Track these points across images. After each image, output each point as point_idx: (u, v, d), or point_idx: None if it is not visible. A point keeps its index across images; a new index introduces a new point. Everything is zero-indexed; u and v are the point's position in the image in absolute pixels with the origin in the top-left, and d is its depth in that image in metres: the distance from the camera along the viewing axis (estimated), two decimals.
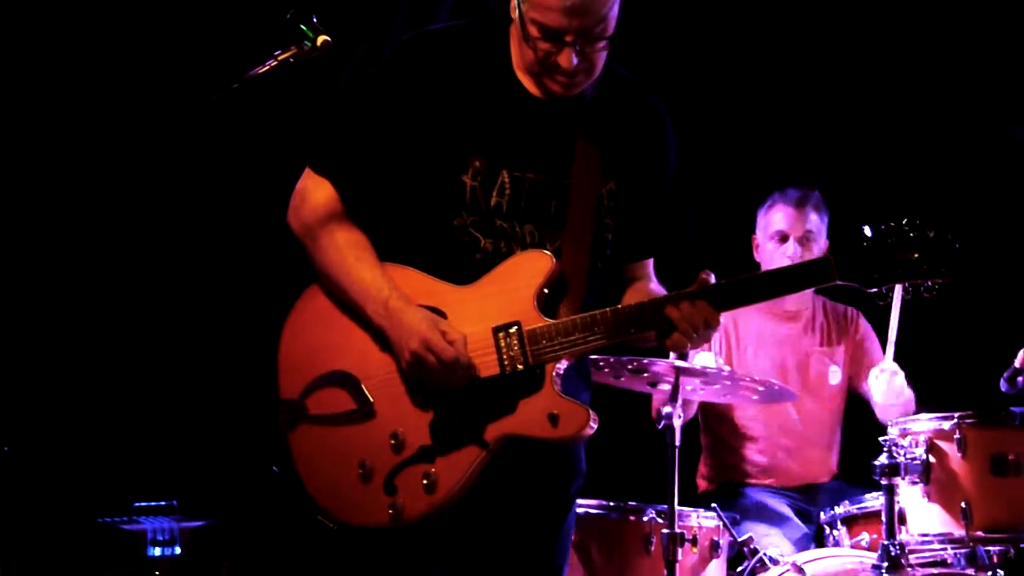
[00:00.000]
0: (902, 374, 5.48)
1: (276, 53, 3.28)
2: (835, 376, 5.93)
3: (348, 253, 3.41)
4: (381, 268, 3.40)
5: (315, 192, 3.45)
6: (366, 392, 3.39)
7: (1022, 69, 6.44)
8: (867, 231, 3.24)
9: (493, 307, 3.35)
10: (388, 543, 3.38)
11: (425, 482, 3.31)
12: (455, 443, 3.32)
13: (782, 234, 5.87)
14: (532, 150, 3.42)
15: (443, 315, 3.37)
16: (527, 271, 3.36)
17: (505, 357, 3.33)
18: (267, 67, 3.30)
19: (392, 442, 3.35)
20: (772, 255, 5.87)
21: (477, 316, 3.36)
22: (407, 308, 3.34)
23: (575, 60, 3.29)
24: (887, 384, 5.48)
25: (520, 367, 3.32)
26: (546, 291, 3.35)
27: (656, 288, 3.62)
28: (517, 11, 3.32)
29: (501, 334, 3.34)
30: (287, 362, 3.47)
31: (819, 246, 5.88)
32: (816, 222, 5.87)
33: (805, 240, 5.83)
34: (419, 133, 3.38)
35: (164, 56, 6.09)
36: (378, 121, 3.41)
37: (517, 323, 3.34)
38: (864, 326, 6.03)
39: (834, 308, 6.07)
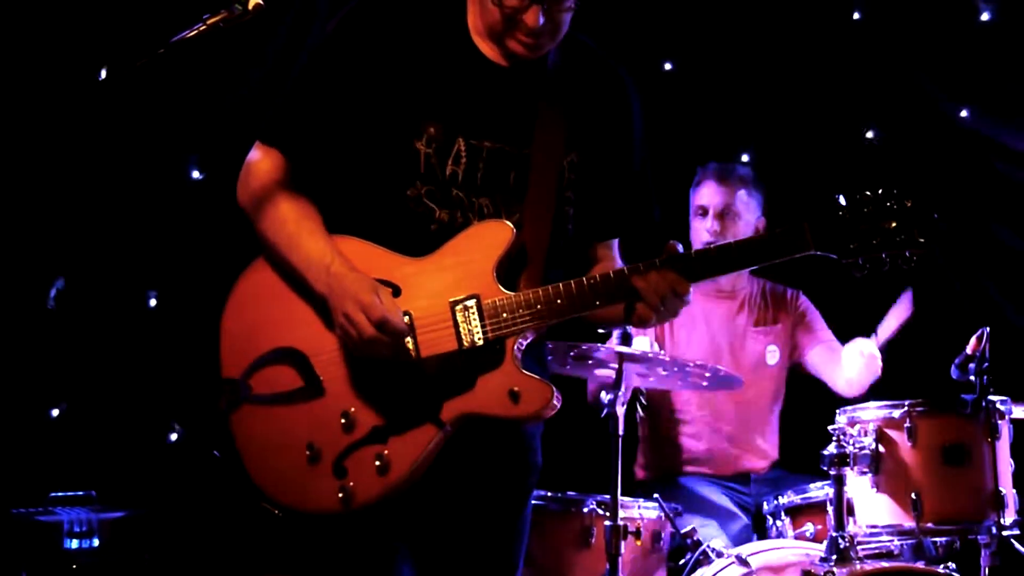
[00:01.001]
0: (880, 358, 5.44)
1: (205, 17, 3.14)
2: (772, 356, 5.83)
3: (292, 223, 3.29)
4: (327, 238, 3.29)
5: (262, 162, 3.35)
6: (315, 369, 3.25)
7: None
8: (841, 200, 3.15)
9: (450, 280, 3.23)
10: (339, 529, 3.25)
11: (377, 463, 3.17)
12: (410, 423, 3.19)
13: (702, 208, 5.76)
14: (490, 118, 3.31)
15: (398, 289, 3.24)
16: (486, 242, 3.24)
17: (463, 331, 3.20)
18: (195, 31, 3.15)
19: (342, 422, 3.21)
20: (696, 231, 5.76)
21: (433, 289, 3.23)
22: (348, 273, 3.21)
23: (541, 19, 3.19)
24: (865, 366, 5.42)
25: (479, 342, 3.19)
26: (506, 263, 3.23)
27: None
28: None
29: (459, 307, 3.21)
30: (230, 339, 3.34)
31: (746, 223, 5.75)
32: (742, 197, 5.75)
33: (726, 215, 5.70)
34: (371, 99, 3.29)
35: (84, 22, 5.90)
36: (328, 88, 3.30)
37: (476, 296, 3.21)
38: (805, 302, 5.94)
39: (773, 288, 5.98)
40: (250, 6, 3.16)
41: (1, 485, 5.71)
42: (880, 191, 3.14)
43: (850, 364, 5.52)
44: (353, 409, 3.22)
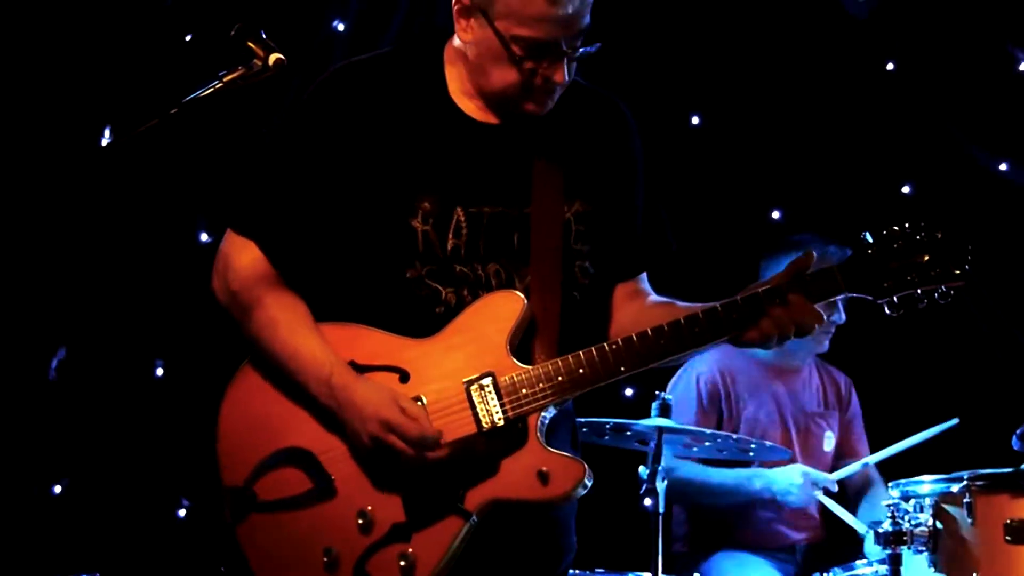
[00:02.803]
0: None
1: (221, 74, 2.94)
2: (829, 443, 5.68)
3: (281, 324, 3.11)
4: (320, 338, 3.10)
5: (239, 255, 3.16)
6: (324, 468, 3.07)
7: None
8: (868, 238, 3.02)
9: (461, 359, 3.05)
10: None
11: (402, 563, 2.99)
12: (433, 516, 3.00)
13: None
14: (486, 181, 3.14)
15: (405, 374, 3.07)
16: (495, 315, 3.07)
17: (481, 412, 3.02)
18: (211, 89, 2.93)
19: (360, 522, 3.02)
20: None
21: (444, 371, 3.05)
22: (354, 384, 3.03)
23: (568, 76, 3.04)
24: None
25: (499, 422, 3.01)
26: (519, 335, 3.06)
27: (661, 302, 3.27)
28: (491, 31, 3.01)
29: (474, 387, 3.03)
30: (228, 445, 3.16)
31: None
32: None
33: None
34: (354, 178, 3.10)
35: (90, 78, 5.72)
36: (303, 169, 3.12)
37: (491, 373, 3.03)
38: (855, 404, 5.81)
39: (828, 371, 5.83)
40: (271, 62, 2.92)
41: (1, 566, 5.54)
42: (907, 225, 3.01)
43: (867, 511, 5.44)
44: (370, 507, 3.03)
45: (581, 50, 3.03)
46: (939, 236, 3.00)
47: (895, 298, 3.01)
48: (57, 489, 5.85)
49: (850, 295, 3.04)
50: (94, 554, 5.59)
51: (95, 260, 5.78)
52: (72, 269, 5.73)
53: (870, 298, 3.02)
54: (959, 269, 2.99)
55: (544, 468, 2.98)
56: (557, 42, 2.98)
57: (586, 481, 2.99)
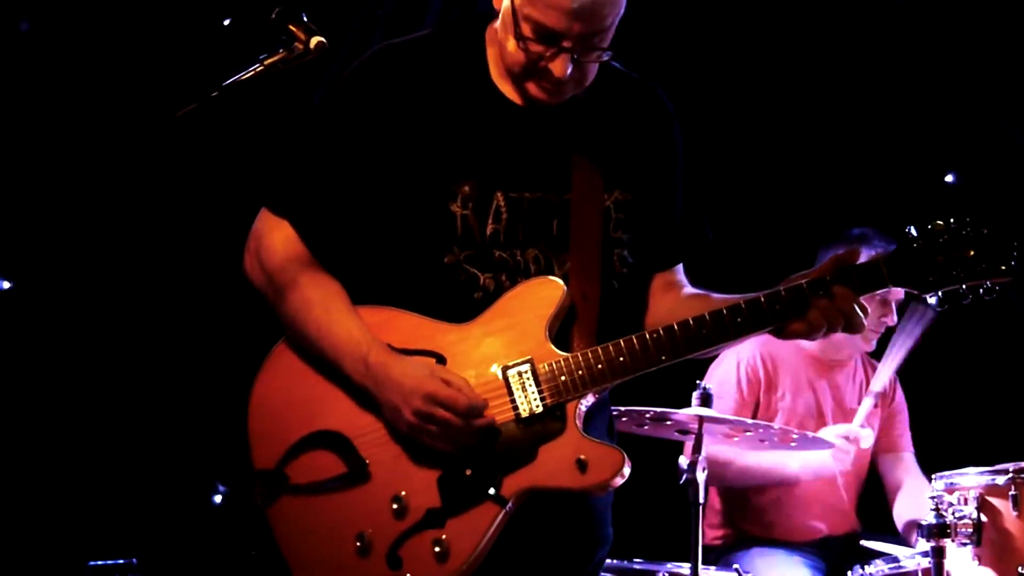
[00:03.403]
0: None
1: (261, 57, 2.92)
2: (868, 440, 5.50)
3: (316, 303, 3.08)
4: (356, 317, 3.07)
5: (273, 235, 3.13)
6: (359, 452, 3.04)
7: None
8: (913, 231, 3.01)
9: (499, 345, 3.03)
10: None
11: (437, 550, 2.95)
12: (468, 502, 2.97)
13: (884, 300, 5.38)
14: (526, 166, 3.10)
15: (442, 359, 3.04)
16: (535, 301, 3.04)
17: (519, 399, 3.00)
18: (251, 73, 2.92)
19: (394, 507, 2.99)
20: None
21: (482, 356, 3.03)
22: (392, 361, 3.00)
23: (569, 69, 2.97)
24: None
25: (538, 409, 2.99)
26: (558, 322, 3.04)
27: (698, 293, 3.24)
28: (509, 4, 2.99)
29: (512, 374, 3.00)
30: (260, 428, 3.13)
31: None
32: None
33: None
34: (392, 160, 3.07)
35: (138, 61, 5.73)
36: (340, 149, 3.10)
37: (529, 360, 3.01)
38: (900, 399, 5.70)
39: (874, 367, 5.70)
40: (312, 45, 2.90)
41: (36, 554, 5.56)
42: (952, 220, 3.00)
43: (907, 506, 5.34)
44: (404, 492, 3.00)
45: (598, 55, 2.99)
46: (985, 232, 2.98)
47: (939, 293, 3.00)
48: (93, 474, 5.84)
49: (894, 288, 3.03)
50: (130, 541, 5.57)
51: (132, 241, 5.78)
52: (110, 251, 5.74)
53: (915, 292, 3.01)
54: (1005, 265, 2.97)
55: (583, 456, 2.95)
56: (563, 34, 2.93)
57: (625, 470, 2.96)
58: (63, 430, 5.75)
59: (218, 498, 5.94)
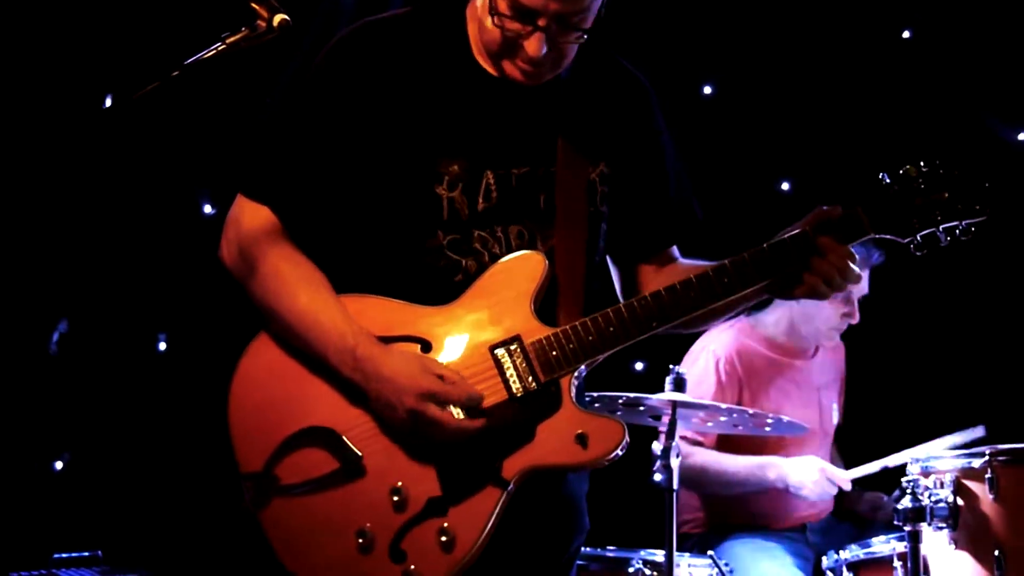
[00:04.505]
0: None
1: (224, 35, 2.84)
2: (836, 415, 5.61)
3: (299, 292, 2.99)
4: (341, 306, 2.98)
5: (251, 221, 3.04)
6: (351, 445, 2.94)
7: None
8: (887, 178, 3.03)
9: (484, 324, 2.97)
10: None
11: (443, 539, 2.88)
12: (470, 488, 2.91)
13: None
14: (512, 142, 3.05)
15: (427, 344, 2.97)
16: (518, 277, 2.99)
17: (511, 378, 2.94)
18: (213, 51, 2.84)
19: (394, 499, 2.91)
20: (831, 311, 5.44)
21: (468, 337, 2.97)
22: (381, 355, 2.91)
23: (544, 48, 2.93)
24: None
25: (532, 386, 2.93)
26: (542, 296, 2.99)
27: (692, 264, 3.20)
28: None
29: (500, 352, 2.95)
30: (243, 429, 3.02)
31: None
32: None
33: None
34: (374, 141, 3.00)
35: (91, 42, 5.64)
36: (319, 132, 3.02)
37: (518, 337, 2.95)
38: (843, 364, 5.76)
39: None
40: (275, 23, 2.83)
41: (2, 544, 5.45)
42: (923, 164, 3.03)
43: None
44: (402, 483, 2.92)
45: (577, 36, 2.95)
46: (956, 173, 3.01)
47: (918, 237, 3.01)
48: (58, 465, 5.80)
49: (876, 236, 3.02)
50: (96, 533, 5.51)
51: (97, 231, 5.69)
52: (73, 240, 5.65)
53: (896, 238, 3.02)
54: (979, 204, 3.00)
55: (582, 431, 2.89)
56: (539, 12, 2.88)
57: (626, 440, 2.90)
58: (27, 423, 5.68)
59: (59, 464, 5.83)
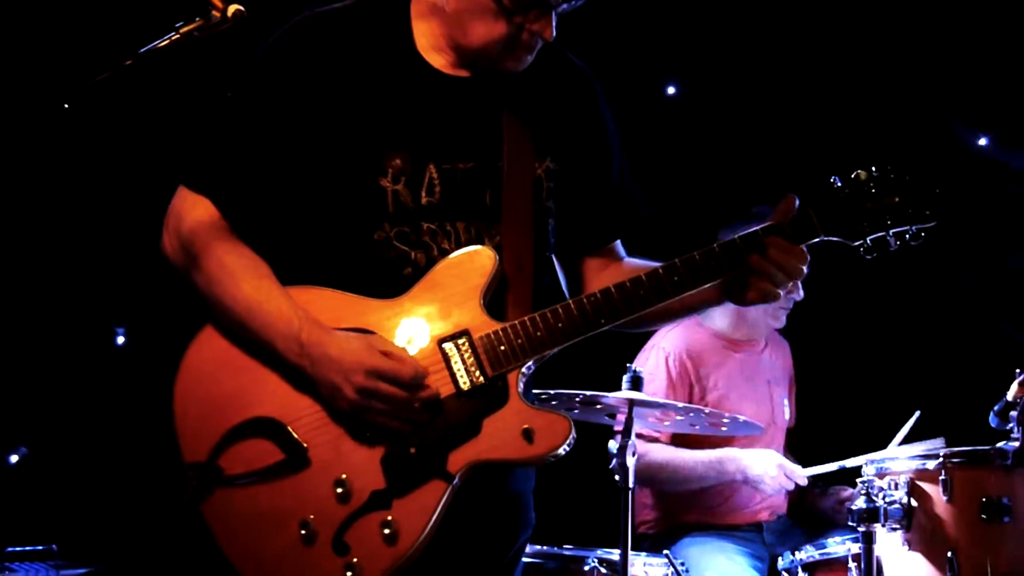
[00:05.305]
0: None
1: (177, 25, 2.83)
2: (787, 411, 5.61)
3: (243, 282, 2.97)
4: (286, 294, 2.97)
5: (192, 212, 3.03)
6: (296, 437, 2.93)
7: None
8: (838, 182, 3.03)
9: (433, 318, 2.97)
10: None
11: (385, 532, 2.87)
12: (414, 481, 2.90)
13: None
14: (457, 136, 3.05)
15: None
16: (466, 271, 2.99)
17: (459, 372, 2.93)
18: (167, 41, 2.82)
19: (337, 491, 2.90)
20: None
21: (415, 331, 2.96)
22: (327, 338, 2.91)
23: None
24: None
25: (479, 381, 2.92)
26: (491, 291, 2.99)
27: (639, 264, 3.19)
28: None
29: (448, 346, 2.94)
30: (187, 419, 3.00)
31: None
32: None
33: None
34: (318, 134, 2.98)
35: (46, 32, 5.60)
36: (261, 124, 3.00)
37: (466, 331, 2.95)
38: (791, 362, 5.79)
39: (774, 338, 5.78)
40: (229, 13, 2.81)
41: None
42: (874, 169, 3.03)
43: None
44: (346, 475, 2.90)
45: (565, 4, 2.95)
46: (907, 178, 3.01)
47: (868, 240, 3.02)
48: (13, 459, 5.67)
49: (826, 239, 3.03)
50: (50, 527, 5.47)
51: (53, 218, 5.66)
52: (27, 231, 5.61)
53: (846, 241, 3.02)
54: (929, 210, 3.01)
55: (528, 425, 2.89)
56: None
57: (572, 436, 2.89)
58: None
59: (15, 458, 5.72)
